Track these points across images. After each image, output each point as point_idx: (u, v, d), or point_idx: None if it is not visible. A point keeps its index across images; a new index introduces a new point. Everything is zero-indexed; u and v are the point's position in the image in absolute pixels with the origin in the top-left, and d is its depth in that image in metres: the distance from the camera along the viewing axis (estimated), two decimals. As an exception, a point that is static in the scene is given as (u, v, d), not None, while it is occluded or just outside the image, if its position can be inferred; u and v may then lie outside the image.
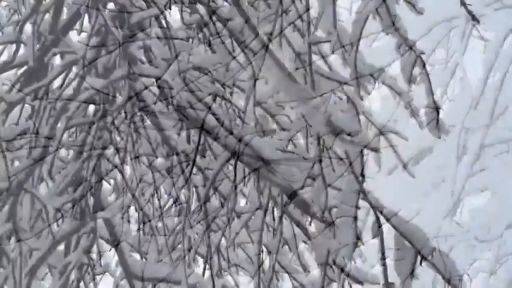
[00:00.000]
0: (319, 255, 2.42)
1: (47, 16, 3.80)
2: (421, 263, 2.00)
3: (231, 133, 2.35)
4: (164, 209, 3.88)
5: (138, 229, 3.78)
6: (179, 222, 3.86)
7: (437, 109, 2.36)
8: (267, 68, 2.13)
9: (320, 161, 1.86)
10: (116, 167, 2.68)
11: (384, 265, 1.89)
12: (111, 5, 3.27)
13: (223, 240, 2.78)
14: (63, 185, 2.81)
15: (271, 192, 2.28)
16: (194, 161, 2.89)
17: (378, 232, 1.89)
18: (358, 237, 1.96)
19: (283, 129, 3.29)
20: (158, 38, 2.45)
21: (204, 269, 3.63)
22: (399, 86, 3.96)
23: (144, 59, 2.22)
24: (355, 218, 1.91)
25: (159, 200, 3.89)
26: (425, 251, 1.99)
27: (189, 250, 3.23)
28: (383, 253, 1.93)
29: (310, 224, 2.24)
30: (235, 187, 2.39)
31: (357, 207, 1.90)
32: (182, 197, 3.85)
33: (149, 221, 3.22)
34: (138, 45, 2.14)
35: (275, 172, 2.24)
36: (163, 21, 2.39)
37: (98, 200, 2.61)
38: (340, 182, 2.07)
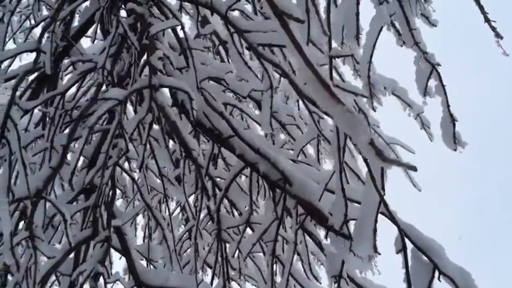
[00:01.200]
0: (333, 267, 2.41)
1: (58, 23, 3.83)
2: (439, 278, 1.99)
3: (248, 144, 2.34)
4: (173, 217, 3.88)
5: (149, 237, 3.79)
6: (187, 230, 3.88)
7: (453, 122, 2.35)
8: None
9: (341, 173, 1.85)
10: (132, 177, 2.67)
11: (409, 282, 1.88)
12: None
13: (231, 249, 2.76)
14: (75, 193, 2.81)
15: (286, 204, 2.27)
16: (207, 169, 2.89)
17: (402, 247, 1.88)
18: (376, 250, 1.95)
19: (294, 140, 3.30)
20: (172, 47, 2.45)
21: (212, 278, 3.64)
22: (409, 98, 3.99)
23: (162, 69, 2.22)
24: (375, 231, 1.90)
25: (168, 208, 3.89)
26: (443, 265, 1.98)
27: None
28: (407, 269, 1.92)
29: (326, 237, 2.23)
30: (251, 198, 2.37)
31: (376, 220, 1.90)
32: (192, 206, 3.88)
33: (162, 229, 3.21)
34: (158, 55, 2.14)
35: (291, 184, 2.24)
36: (180, 32, 2.39)
37: (111, 208, 2.60)
38: (355, 193, 2.07)
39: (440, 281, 1.99)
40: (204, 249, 3.79)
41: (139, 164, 2.13)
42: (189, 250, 4.16)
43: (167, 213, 3.34)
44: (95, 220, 2.58)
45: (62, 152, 2.25)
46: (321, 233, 2.69)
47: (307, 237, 2.75)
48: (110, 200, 2.53)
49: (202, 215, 3.98)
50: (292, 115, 3.33)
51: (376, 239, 1.93)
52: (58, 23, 2.59)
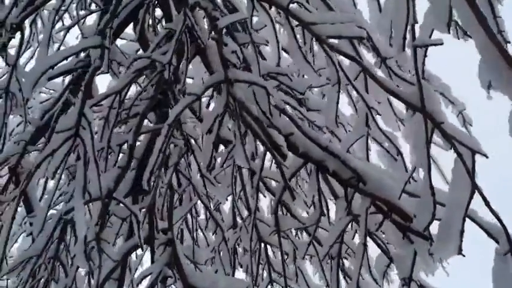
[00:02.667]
0: (403, 269, 2.32)
1: (92, 22, 3.76)
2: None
3: (314, 141, 2.26)
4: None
5: (196, 239, 3.71)
6: (234, 233, 3.79)
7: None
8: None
9: (429, 170, 1.76)
10: (188, 178, 2.59)
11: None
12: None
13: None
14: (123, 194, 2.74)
15: (361, 203, 2.18)
16: (261, 170, 2.81)
17: (509, 249, 1.78)
18: (461, 252, 1.86)
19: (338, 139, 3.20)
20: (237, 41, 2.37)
21: (256, 281, 3.56)
22: (452, 95, 3.89)
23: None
24: (462, 232, 1.82)
25: (219, 211, 3.81)
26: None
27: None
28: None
29: (404, 237, 2.14)
30: (321, 199, 2.29)
31: (465, 220, 1.81)
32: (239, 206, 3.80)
33: (215, 232, 3.14)
34: (231, 49, 2.06)
35: (365, 182, 2.15)
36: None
37: (171, 210, 2.52)
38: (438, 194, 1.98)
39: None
40: (245, 252, 3.71)
41: (207, 164, 2.04)
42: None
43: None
44: (150, 222, 2.50)
45: (129, 151, 2.17)
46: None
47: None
48: (169, 201, 2.45)
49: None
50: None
51: (462, 240, 1.85)
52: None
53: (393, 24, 1.77)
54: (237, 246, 3.68)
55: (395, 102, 2.96)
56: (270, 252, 3.60)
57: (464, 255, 1.89)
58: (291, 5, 2.29)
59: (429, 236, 2.02)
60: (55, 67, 2.99)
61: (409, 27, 1.78)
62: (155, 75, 2.37)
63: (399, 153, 2.65)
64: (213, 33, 2.14)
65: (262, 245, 3.36)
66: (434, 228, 2.09)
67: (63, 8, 3.91)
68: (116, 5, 2.32)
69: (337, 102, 2.30)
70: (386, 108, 2.95)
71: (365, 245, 2.23)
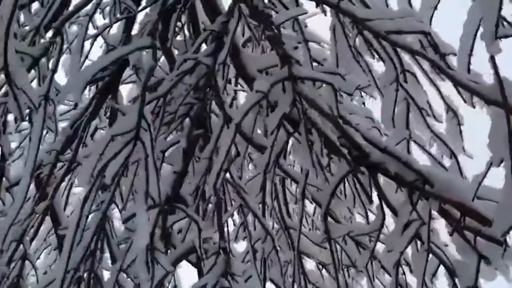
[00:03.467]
0: (465, 277, 2.21)
1: (116, 31, 3.68)
2: None
3: (371, 142, 2.16)
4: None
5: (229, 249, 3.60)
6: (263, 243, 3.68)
7: None
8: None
9: (512, 170, 1.65)
10: (233, 185, 2.49)
11: None
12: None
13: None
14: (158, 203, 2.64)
15: (430, 206, 2.07)
16: (307, 176, 2.71)
17: None
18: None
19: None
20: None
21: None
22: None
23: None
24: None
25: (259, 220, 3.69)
26: None
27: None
28: None
29: (475, 241, 2.03)
30: (381, 201, 2.18)
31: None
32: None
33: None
34: (292, 45, 1.97)
35: (432, 184, 2.04)
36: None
37: (221, 220, 2.41)
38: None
39: None
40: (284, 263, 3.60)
41: (265, 168, 1.94)
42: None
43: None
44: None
45: (183, 157, 2.08)
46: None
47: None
48: (217, 209, 2.35)
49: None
50: (370, 116, 3.15)
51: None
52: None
53: (483, 13, 1.67)
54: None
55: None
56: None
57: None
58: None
59: (505, 241, 1.91)
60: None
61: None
62: (201, 78, 2.28)
63: (453, 155, 2.55)
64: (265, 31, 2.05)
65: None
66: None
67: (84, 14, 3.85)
68: (163, 5, 2.24)
69: (395, 101, 2.21)
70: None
71: (428, 252, 2.12)
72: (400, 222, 2.13)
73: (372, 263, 2.64)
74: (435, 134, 2.56)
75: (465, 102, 2.45)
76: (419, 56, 2.05)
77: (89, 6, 3.18)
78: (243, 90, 4.31)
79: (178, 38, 3.54)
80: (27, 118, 3.49)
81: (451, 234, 2.05)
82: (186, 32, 3.57)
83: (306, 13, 2.09)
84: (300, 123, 1.97)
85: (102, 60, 2.16)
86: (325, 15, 2.43)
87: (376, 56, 2.63)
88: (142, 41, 2.20)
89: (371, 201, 2.18)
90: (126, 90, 4.47)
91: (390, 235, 2.30)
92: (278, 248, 2.79)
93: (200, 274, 2.83)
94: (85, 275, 2.73)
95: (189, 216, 2.01)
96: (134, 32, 3.49)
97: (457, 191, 1.99)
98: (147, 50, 2.24)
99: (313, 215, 4.83)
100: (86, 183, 2.21)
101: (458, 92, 2.37)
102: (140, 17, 3.57)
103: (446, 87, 3.41)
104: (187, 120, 2.55)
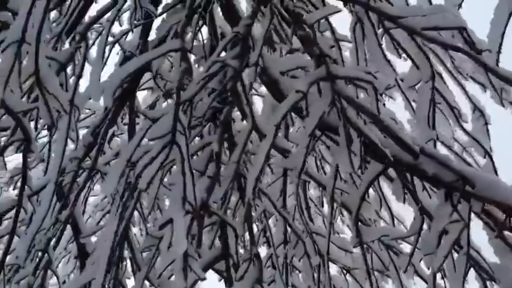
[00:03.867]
0: (506, 281, 2.14)
1: (133, 37, 3.65)
2: None
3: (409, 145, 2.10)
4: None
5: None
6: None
7: None
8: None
9: None
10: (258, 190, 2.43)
11: None
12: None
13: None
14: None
15: (473, 208, 2.01)
16: (335, 178, 2.65)
17: None
18: None
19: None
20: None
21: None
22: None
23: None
24: None
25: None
26: None
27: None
28: None
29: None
30: (421, 206, 2.11)
31: None
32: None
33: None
34: (328, 44, 1.92)
35: (473, 185, 1.98)
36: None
37: (250, 223, 2.36)
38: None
39: None
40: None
41: (299, 171, 1.88)
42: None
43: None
44: (225, 238, 2.35)
45: (216, 160, 2.03)
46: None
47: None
48: (247, 215, 2.29)
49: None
50: (393, 117, 3.09)
51: None
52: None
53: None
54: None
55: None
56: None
57: None
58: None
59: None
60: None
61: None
62: (227, 81, 2.24)
63: (487, 154, 2.49)
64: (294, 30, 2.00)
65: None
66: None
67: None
68: (191, 6, 2.19)
69: (432, 100, 2.14)
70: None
71: (468, 256, 2.05)
72: (436, 225, 2.06)
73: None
74: (468, 134, 2.50)
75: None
76: (460, 51, 1.99)
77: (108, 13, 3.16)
78: (258, 94, 4.28)
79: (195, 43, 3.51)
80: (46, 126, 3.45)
81: (496, 237, 1.98)
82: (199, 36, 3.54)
83: (340, 11, 2.04)
84: (334, 126, 1.92)
85: (131, 64, 2.12)
86: (352, 14, 2.37)
87: (403, 55, 2.58)
88: (171, 44, 2.15)
89: (418, 204, 2.11)
90: (141, 97, 4.45)
91: (426, 238, 2.24)
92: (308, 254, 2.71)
93: (228, 282, 2.78)
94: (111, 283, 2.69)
95: (226, 222, 1.95)
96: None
97: (502, 192, 1.93)
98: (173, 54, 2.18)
99: (334, 218, 4.77)
100: (111, 189, 2.17)
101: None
102: (157, 23, 3.56)
103: (471, 86, 3.36)
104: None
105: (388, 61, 2.36)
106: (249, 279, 2.20)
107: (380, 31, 2.35)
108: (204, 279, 1.96)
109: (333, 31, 2.19)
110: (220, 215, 2.03)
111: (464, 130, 2.54)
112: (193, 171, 2.14)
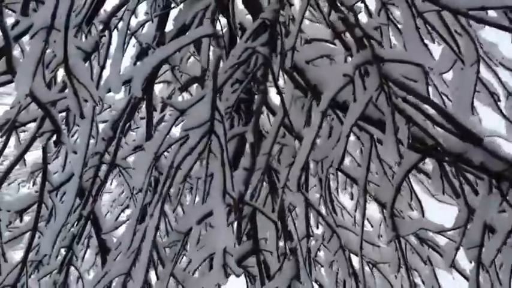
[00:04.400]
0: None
1: (148, 29, 3.55)
2: None
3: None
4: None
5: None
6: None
7: None
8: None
9: None
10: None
11: None
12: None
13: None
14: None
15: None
16: (368, 170, 2.56)
17: None
18: None
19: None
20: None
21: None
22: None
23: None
24: None
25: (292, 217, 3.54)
26: None
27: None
28: None
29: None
30: (465, 197, 2.00)
31: None
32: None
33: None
34: (372, 25, 1.81)
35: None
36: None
37: (284, 221, 2.26)
38: None
39: None
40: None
41: (339, 163, 1.78)
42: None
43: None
44: (254, 233, 2.25)
45: (251, 151, 1.94)
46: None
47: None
48: (281, 208, 2.20)
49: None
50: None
51: None
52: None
53: None
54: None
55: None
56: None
57: None
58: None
59: None
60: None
61: None
62: (257, 68, 2.14)
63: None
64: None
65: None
66: None
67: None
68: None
69: (475, 85, 2.03)
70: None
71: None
72: (480, 217, 1.95)
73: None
74: (509, 120, 2.39)
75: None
76: (510, 32, 1.88)
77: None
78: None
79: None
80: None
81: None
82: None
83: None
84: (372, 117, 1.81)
85: (162, 53, 2.03)
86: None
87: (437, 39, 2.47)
88: (203, 29, 2.05)
89: (457, 196, 2.00)
90: (157, 90, 4.36)
91: (468, 231, 2.13)
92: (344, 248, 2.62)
93: (252, 278, 2.69)
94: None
95: (265, 215, 1.86)
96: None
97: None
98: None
99: (355, 211, 4.68)
100: (140, 184, 2.08)
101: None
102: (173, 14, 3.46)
103: (503, 72, 3.24)
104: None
105: (426, 45, 2.25)
106: (285, 274, 2.11)
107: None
108: (239, 275, 1.87)
109: (370, 14, 2.08)
110: (260, 208, 1.94)
111: (505, 116, 2.43)
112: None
